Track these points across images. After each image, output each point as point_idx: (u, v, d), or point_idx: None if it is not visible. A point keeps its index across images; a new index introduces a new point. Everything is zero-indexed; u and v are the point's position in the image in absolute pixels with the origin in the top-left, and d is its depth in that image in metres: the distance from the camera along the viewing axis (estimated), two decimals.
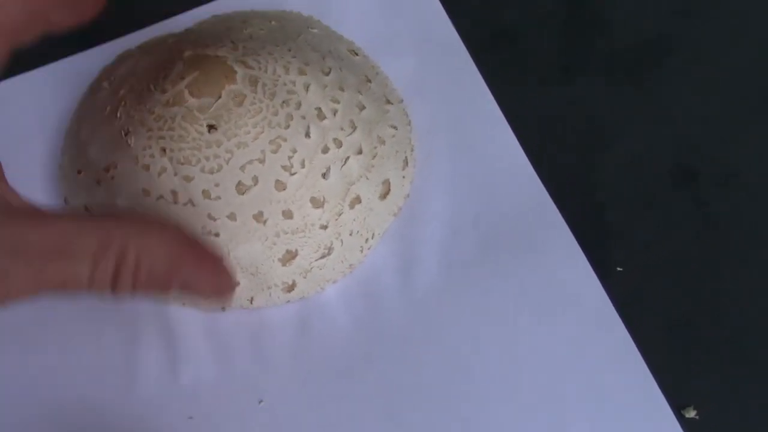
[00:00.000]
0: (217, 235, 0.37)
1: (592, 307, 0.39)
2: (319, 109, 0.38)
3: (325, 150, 0.38)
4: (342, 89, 0.40)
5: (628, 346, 0.38)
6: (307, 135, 0.38)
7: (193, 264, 0.29)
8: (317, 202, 0.38)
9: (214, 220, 0.37)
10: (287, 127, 0.37)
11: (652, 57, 0.45)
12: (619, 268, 0.40)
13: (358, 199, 0.39)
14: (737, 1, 0.46)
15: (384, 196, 0.40)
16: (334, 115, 0.39)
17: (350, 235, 0.39)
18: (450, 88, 0.44)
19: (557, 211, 0.41)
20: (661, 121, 0.43)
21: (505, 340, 0.38)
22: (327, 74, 0.40)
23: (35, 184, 0.43)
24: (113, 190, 0.38)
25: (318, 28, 0.44)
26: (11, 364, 0.39)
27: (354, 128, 0.39)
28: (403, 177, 0.41)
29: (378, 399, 0.38)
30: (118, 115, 0.39)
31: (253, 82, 0.37)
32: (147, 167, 0.37)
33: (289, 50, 0.39)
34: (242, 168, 0.37)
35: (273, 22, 0.42)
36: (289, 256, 0.38)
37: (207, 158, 0.36)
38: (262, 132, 0.37)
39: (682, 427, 0.37)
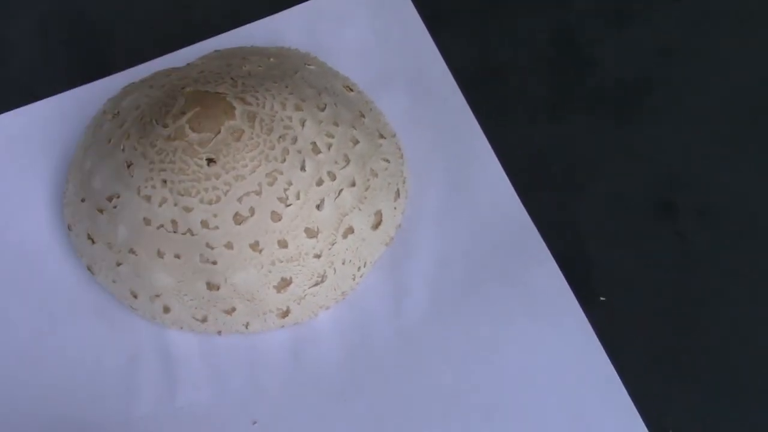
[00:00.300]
0: (214, 263, 0.39)
1: (576, 335, 0.40)
2: (314, 143, 0.40)
3: (320, 182, 0.40)
4: (336, 124, 0.41)
5: (610, 373, 0.39)
6: (303, 168, 0.39)
7: None
8: (311, 232, 0.40)
9: (212, 248, 0.39)
10: (283, 161, 0.39)
11: (635, 95, 0.47)
12: (602, 298, 0.42)
13: (351, 230, 0.41)
14: (714, 46, 0.48)
15: (376, 226, 0.42)
16: (329, 149, 0.40)
17: (343, 263, 0.41)
18: (442, 123, 0.46)
19: (543, 243, 0.42)
20: (643, 156, 0.45)
21: (491, 368, 0.40)
22: (322, 110, 0.41)
23: (40, 211, 0.44)
24: (115, 218, 0.40)
25: (315, 65, 0.46)
26: (11, 383, 0.40)
27: (348, 162, 0.41)
28: (395, 208, 0.42)
29: (368, 422, 0.39)
30: (122, 147, 0.40)
31: (251, 117, 0.39)
32: (148, 198, 0.39)
33: (286, 87, 0.41)
34: (239, 199, 0.38)
35: (272, 59, 0.44)
36: (284, 284, 0.40)
37: (206, 190, 0.38)
38: (259, 165, 0.38)
39: None
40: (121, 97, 0.45)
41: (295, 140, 0.39)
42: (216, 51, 0.47)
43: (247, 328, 0.40)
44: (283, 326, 0.40)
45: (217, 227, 0.38)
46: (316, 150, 0.40)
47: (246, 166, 0.38)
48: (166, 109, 0.39)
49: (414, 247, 0.43)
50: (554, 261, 0.42)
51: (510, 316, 0.41)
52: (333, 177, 0.40)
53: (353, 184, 0.41)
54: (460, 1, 0.50)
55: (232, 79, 0.41)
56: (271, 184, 0.39)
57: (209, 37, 0.49)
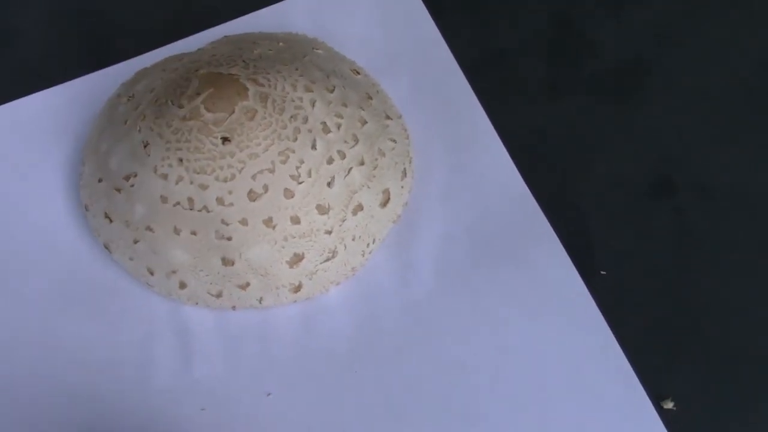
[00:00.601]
0: (229, 239, 0.40)
1: (578, 307, 0.42)
2: (324, 123, 0.41)
3: (330, 161, 0.41)
4: (345, 105, 0.43)
5: (611, 342, 0.41)
6: (314, 147, 0.41)
7: None
8: (323, 209, 0.41)
9: (227, 225, 0.40)
10: (295, 139, 0.40)
11: (634, 77, 0.48)
12: (602, 272, 0.43)
13: (360, 207, 0.42)
14: (712, 27, 0.49)
15: (384, 204, 0.43)
16: (338, 129, 0.42)
17: (353, 240, 0.42)
18: (445, 105, 0.47)
19: (545, 219, 0.44)
20: (642, 136, 0.46)
21: (496, 339, 0.41)
22: (331, 91, 0.43)
23: (56, 193, 0.45)
24: (132, 197, 0.41)
25: (322, 49, 0.47)
26: (30, 360, 0.41)
27: (356, 141, 0.42)
28: (402, 187, 0.44)
29: (377, 392, 0.40)
30: (138, 128, 0.41)
31: (264, 98, 0.40)
32: (165, 176, 0.40)
33: (296, 69, 0.42)
34: (254, 177, 0.39)
35: (281, 44, 0.45)
36: (297, 259, 0.41)
37: (221, 168, 0.39)
38: (272, 144, 0.40)
39: (661, 417, 0.39)
40: (135, 81, 0.46)
41: (306, 120, 0.41)
42: (225, 36, 0.48)
43: (260, 302, 0.41)
44: (295, 301, 0.42)
45: (232, 204, 0.40)
46: (326, 129, 0.41)
47: (259, 144, 0.39)
48: (181, 90, 0.40)
49: (420, 225, 0.44)
50: (557, 237, 0.43)
51: (513, 290, 0.42)
52: (343, 156, 0.41)
53: (362, 163, 0.42)
54: None
55: (243, 61, 0.42)
56: (283, 162, 0.40)
57: (217, 25, 0.50)
